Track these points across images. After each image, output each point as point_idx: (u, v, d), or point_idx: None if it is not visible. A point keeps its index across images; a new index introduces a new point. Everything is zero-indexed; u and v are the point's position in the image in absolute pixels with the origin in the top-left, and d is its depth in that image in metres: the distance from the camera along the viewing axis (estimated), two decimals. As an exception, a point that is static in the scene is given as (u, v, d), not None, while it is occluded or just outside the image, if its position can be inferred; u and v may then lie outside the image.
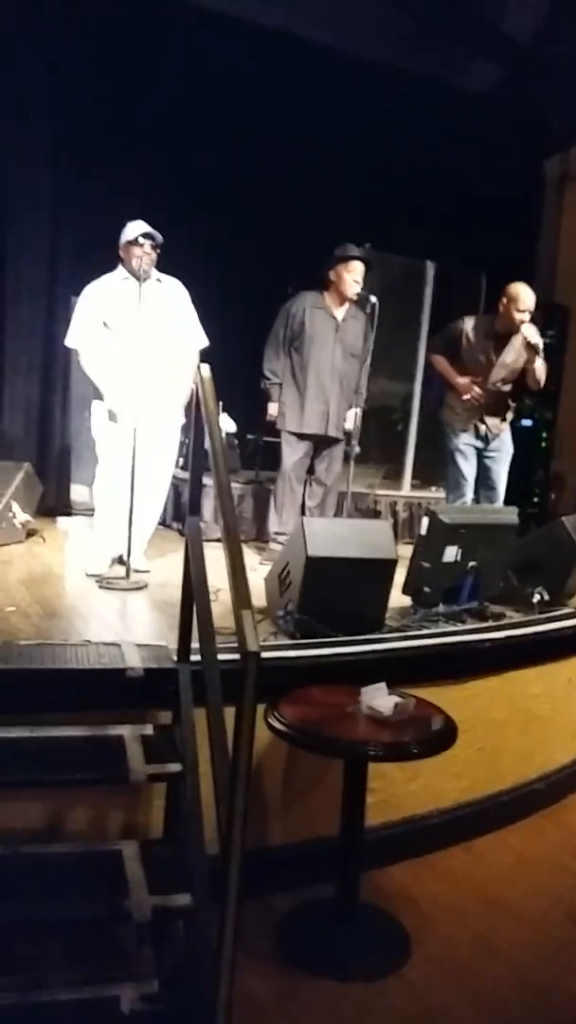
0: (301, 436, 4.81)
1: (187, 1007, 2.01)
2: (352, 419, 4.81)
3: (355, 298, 4.71)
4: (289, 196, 5.92)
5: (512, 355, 4.73)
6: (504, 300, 4.68)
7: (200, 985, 1.95)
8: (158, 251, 3.98)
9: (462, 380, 4.77)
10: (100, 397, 4.03)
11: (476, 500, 4.90)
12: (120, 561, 3.95)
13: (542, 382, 4.76)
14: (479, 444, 4.88)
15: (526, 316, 4.63)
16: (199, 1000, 1.93)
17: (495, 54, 6.74)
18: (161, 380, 3.96)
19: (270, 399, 4.83)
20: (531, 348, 4.60)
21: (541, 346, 4.60)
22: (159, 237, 3.92)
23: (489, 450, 4.90)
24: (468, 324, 4.80)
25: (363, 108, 6.07)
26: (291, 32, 5.88)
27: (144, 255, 3.92)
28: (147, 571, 4.01)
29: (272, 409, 4.83)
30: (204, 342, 4.17)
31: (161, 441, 4.06)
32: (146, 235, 3.90)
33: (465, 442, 4.85)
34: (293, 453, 4.84)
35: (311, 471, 4.94)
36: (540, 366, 4.66)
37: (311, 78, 5.92)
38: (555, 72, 6.69)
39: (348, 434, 4.84)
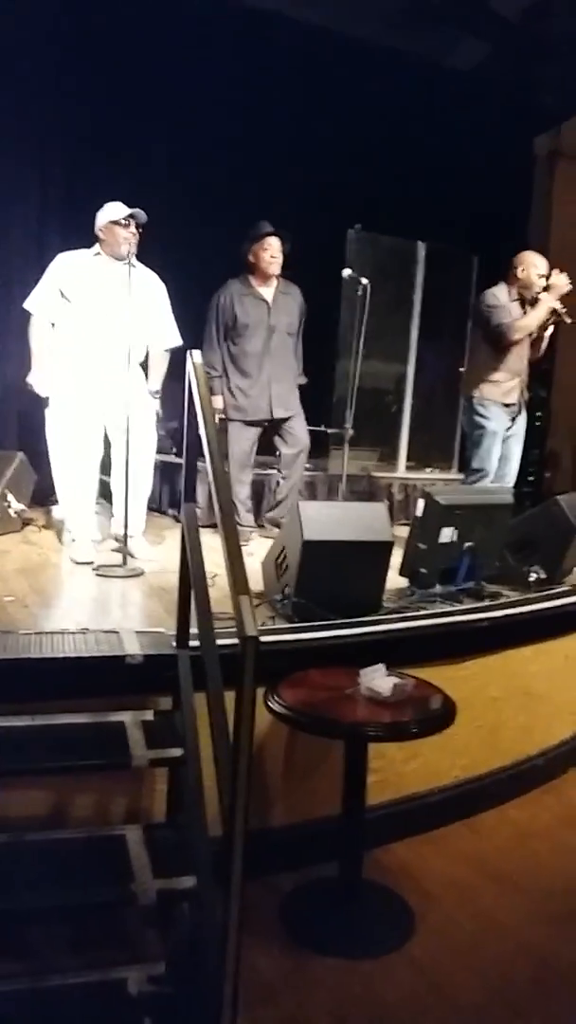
0: (248, 423, 4.79)
1: (194, 987, 2.04)
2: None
3: (276, 272, 4.71)
4: (277, 177, 5.88)
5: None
6: (521, 267, 4.69)
7: (206, 965, 1.97)
8: (140, 231, 3.95)
9: (543, 307, 4.60)
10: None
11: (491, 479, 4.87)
12: (116, 539, 3.95)
13: (542, 352, 4.79)
14: (508, 423, 4.84)
15: (544, 281, 4.63)
16: (206, 980, 1.95)
17: (484, 32, 6.68)
18: (119, 362, 3.87)
19: (212, 393, 4.76)
20: (554, 312, 4.62)
21: (563, 311, 4.61)
22: (143, 216, 3.89)
23: (511, 430, 4.88)
24: (498, 290, 4.74)
25: (351, 87, 6.04)
26: (279, 11, 5.85)
27: (131, 235, 3.90)
28: (152, 560, 4.00)
29: (216, 402, 4.74)
30: (176, 341, 4.15)
31: (127, 425, 3.94)
32: (131, 215, 3.88)
33: (501, 423, 4.80)
34: (239, 441, 4.80)
35: (274, 448, 4.96)
36: (547, 336, 4.71)
37: (298, 58, 5.90)
38: (544, 49, 6.64)
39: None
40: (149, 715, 2.52)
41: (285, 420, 4.86)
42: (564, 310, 4.62)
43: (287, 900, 2.63)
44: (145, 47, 5.45)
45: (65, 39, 5.31)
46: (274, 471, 5.15)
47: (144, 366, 4.19)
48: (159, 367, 4.16)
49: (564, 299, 4.64)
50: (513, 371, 4.79)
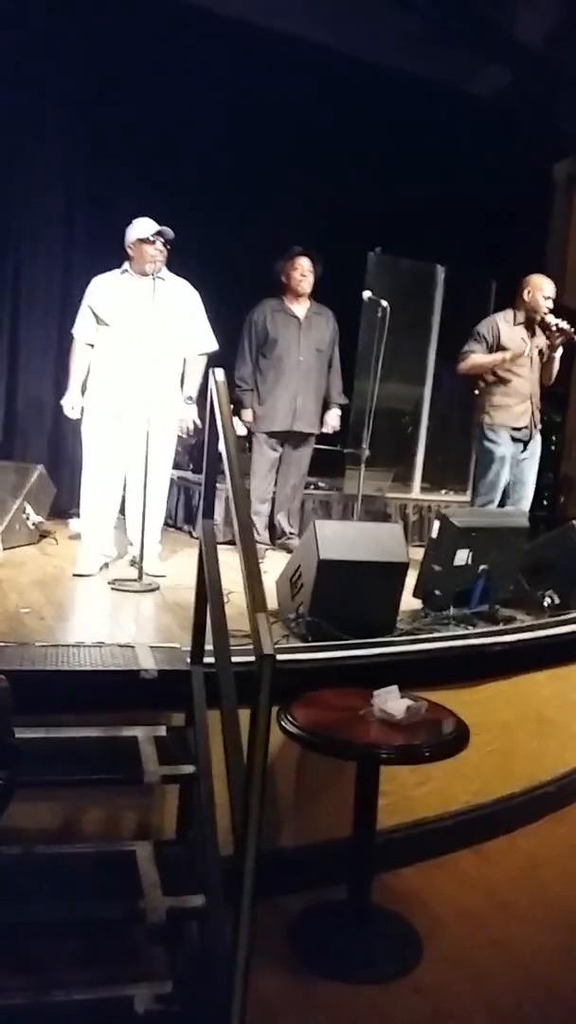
0: (271, 434, 4.95)
1: (201, 1008, 2.02)
2: (333, 419, 5.07)
3: (306, 291, 4.90)
4: (298, 200, 5.94)
5: (542, 343, 4.78)
6: (528, 289, 4.74)
7: (214, 986, 1.96)
8: (168, 248, 4.00)
9: (508, 353, 4.69)
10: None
11: (503, 504, 4.85)
12: (131, 563, 3.97)
13: (554, 375, 4.79)
14: (517, 448, 4.83)
15: (550, 303, 4.67)
16: (213, 1001, 1.94)
17: (505, 58, 6.73)
18: (153, 379, 3.91)
19: (241, 406, 4.95)
20: (561, 332, 4.65)
21: (572, 331, 4.63)
22: (170, 234, 3.93)
23: (525, 453, 4.86)
24: (498, 318, 4.81)
25: (372, 112, 6.09)
26: (301, 36, 5.91)
27: (157, 252, 3.95)
28: (162, 575, 4.02)
29: (245, 415, 4.95)
30: (213, 346, 4.19)
31: (153, 442, 3.95)
32: (158, 233, 3.92)
33: (509, 449, 4.79)
34: (264, 454, 4.98)
35: (281, 464, 5.08)
36: (558, 356, 4.72)
37: (320, 82, 5.95)
38: (565, 76, 6.68)
39: (336, 438, 5.15)
40: (162, 731, 2.52)
41: (301, 437, 4.99)
42: (572, 329, 4.62)
43: (296, 922, 2.61)
44: (168, 72, 5.53)
45: (98, 58, 5.38)
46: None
47: (182, 376, 4.22)
48: (194, 373, 4.19)
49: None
50: (522, 394, 4.79)
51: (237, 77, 5.72)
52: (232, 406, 4.80)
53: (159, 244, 3.95)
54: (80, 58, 5.35)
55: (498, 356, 4.71)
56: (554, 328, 4.66)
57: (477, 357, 4.77)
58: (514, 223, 6.68)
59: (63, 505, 5.33)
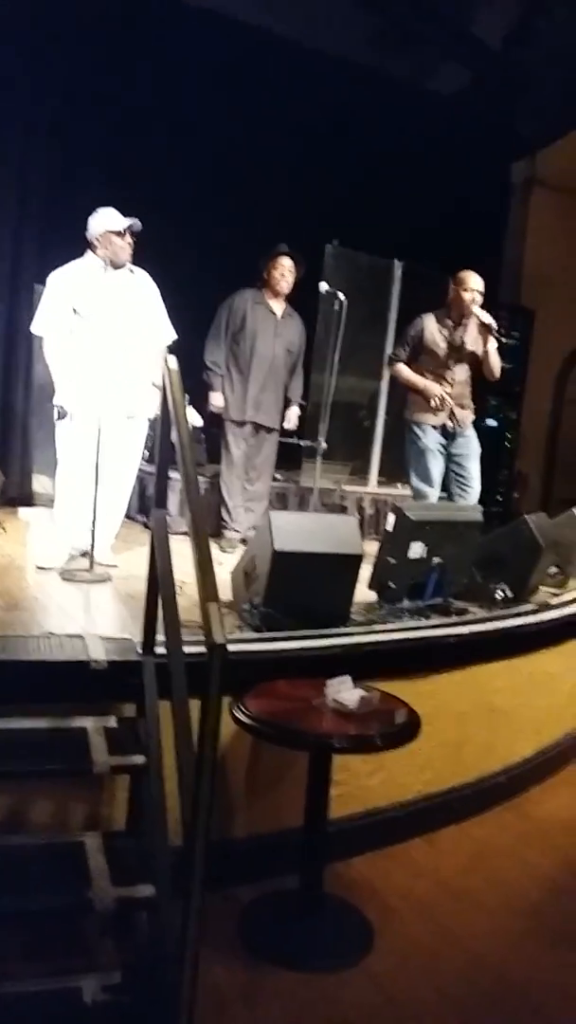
0: (241, 424, 5.02)
1: (150, 998, 2.01)
2: (293, 416, 5.16)
3: (285, 291, 4.99)
4: (257, 193, 5.91)
5: (470, 339, 4.80)
6: (453, 286, 4.80)
7: (164, 976, 1.95)
8: (135, 239, 3.95)
9: (429, 384, 4.79)
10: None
11: (448, 499, 4.89)
12: (83, 554, 3.92)
13: (496, 371, 4.82)
14: (446, 443, 4.87)
15: (476, 297, 4.71)
16: (163, 991, 1.93)
17: (465, 57, 6.78)
18: (129, 371, 3.93)
19: (212, 389, 5.01)
20: (485, 328, 4.70)
21: (495, 326, 4.71)
22: (139, 226, 3.90)
23: (457, 448, 4.89)
24: (426, 318, 4.87)
25: (332, 106, 6.08)
26: (262, 27, 5.88)
27: (127, 244, 3.92)
28: (114, 566, 3.98)
29: (216, 399, 5.02)
30: (172, 336, 4.16)
31: (127, 435, 4.04)
32: (129, 226, 3.88)
33: (434, 441, 4.84)
34: (238, 442, 5.05)
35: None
36: (493, 351, 4.74)
37: (281, 74, 5.93)
38: (523, 77, 6.76)
39: (294, 432, 5.24)
40: (112, 721, 2.49)
41: (266, 431, 5.07)
42: (492, 323, 4.68)
43: (246, 912, 2.60)
44: (136, 57, 5.46)
45: (63, 36, 5.29)
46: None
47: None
48: (160, 362, 4.12)
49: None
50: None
51: (197, 66, 5.68)
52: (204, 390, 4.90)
53: (128, 237, 3.90)
54: (50, 52, 5.25)
55: (420, 386, 4.80)
56: (479, 323, 4.71)
57: (404, 372, 4.88)
58: (472, 221, 6.73)
59: (12, 494, 5.25)
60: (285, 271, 4.96)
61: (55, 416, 4.02)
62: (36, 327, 4.00)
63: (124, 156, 5.56)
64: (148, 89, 5.55)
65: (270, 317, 5.00)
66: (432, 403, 4.78)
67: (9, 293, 5.35)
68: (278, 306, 5.04)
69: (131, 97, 5.53)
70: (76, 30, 5.30)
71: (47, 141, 5.41)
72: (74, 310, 3.92)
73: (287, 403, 5.17)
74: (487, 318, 4.67)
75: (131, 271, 4.02)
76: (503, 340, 4.85)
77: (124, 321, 3.92)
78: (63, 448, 4.04)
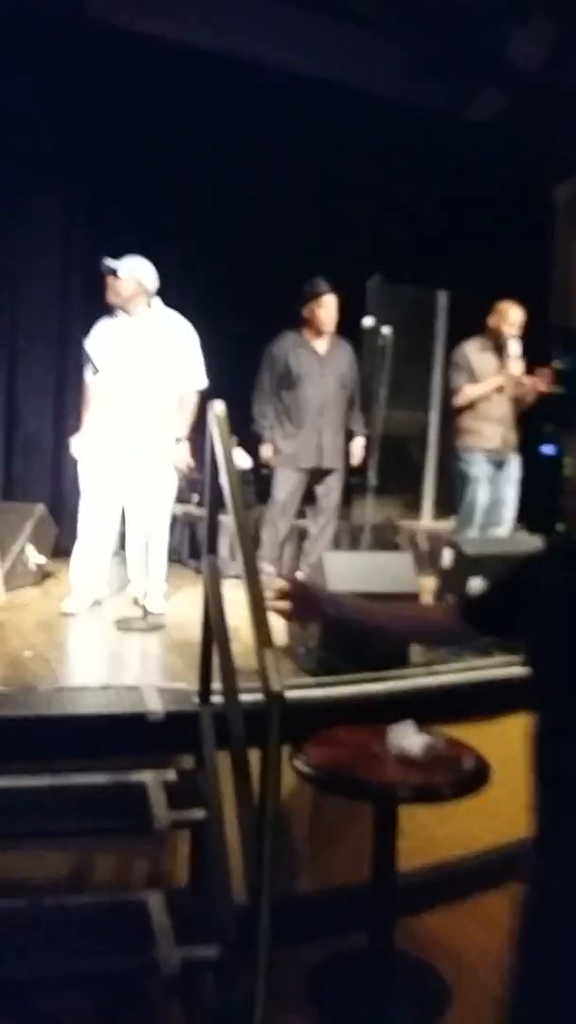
0: (295, 470, 4.87)
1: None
2: (358, 449, 4.98)
3: (331, 330, 4.86)
4: (299, 231, 5.94)
5: (510, 366, 4.85)
6: (494, 317, 4.88)
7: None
8: (120, 279, 3.93)
9: (491, 380, 4.83)
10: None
11: (482, 527, 4.86)
12: (135, 603, 3.91)
13: (528, 399, 4.94)
14: (493, 471, 4.88)
15: (514, 331, 4.80)
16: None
17: (500, 83, 6.78)
18: (143, 419, 3.89)
19: (261, 441, 4.90)
20: (516, 361, 4.79)
21: (519, 356, 4.82)
22: (107, 267, 3.91)
23: (502, 476, 4.90)
24: (468, 346, 4.92)
25: (370, 141, 6.10)
26: (297, 71, 5.95)
27: (110, 287, 3.93)
28: (166, 614, 3.94)
29: (265, 451, 4.89)
30: (202, 383, 4.12)
31: (147, 480, 3.96)
32: (105, 267, 3.92)
33: (483, 470, 4.84)
34: (285, 488, 4.89)
35: (312, 500, 5.00)
36: (527, 380, 4.87)
37: (317, 114, 5.97)
38: (562, 98, 6.72)
39: (357, 467, 5.02)
40: (171, 774, 2.44)
41: (329, 472, 4.93)
42: (518, 354, 4.79)
43: (316, 971, 2.51)
44: (169, 102, 5.57)
45: (96, 95, 5.42)
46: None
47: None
48: (184, 411, 4.12)
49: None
50: (493, 418, 4.87)
51: (238, 111, 5.76)
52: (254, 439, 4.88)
53: (109, 279, 3.93)
54: (73, 100, 5.38)
55: (492, 383, 4.83)
56: (512, 357, 4.80)
57: (470, 389, 4.86)
58: (516, 246, 6.67)
59: (65, 544, 5.28)
60: (331, 309, 4.84)
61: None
62: (86, 373, 4.12)
63: (167, 203, 5.65)
64: (187, 137, 5.66)
65: (313, 357, 4.87)
66: (500, 383, 4.82)
67: (58, 346, 5.42)
68: (321, 344, 4.91)
69: (169, 141, 5.63)
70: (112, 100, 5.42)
71: (91, 195, 5.54)
72: (92, 362, 4.00)
73: (350, 435, 5.01)
74: (516, 350, 4.77)
75: (152, 316, 3.97)
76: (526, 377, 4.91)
77: (139, 369, 3.88)
78: (83, 494, 4.07)
